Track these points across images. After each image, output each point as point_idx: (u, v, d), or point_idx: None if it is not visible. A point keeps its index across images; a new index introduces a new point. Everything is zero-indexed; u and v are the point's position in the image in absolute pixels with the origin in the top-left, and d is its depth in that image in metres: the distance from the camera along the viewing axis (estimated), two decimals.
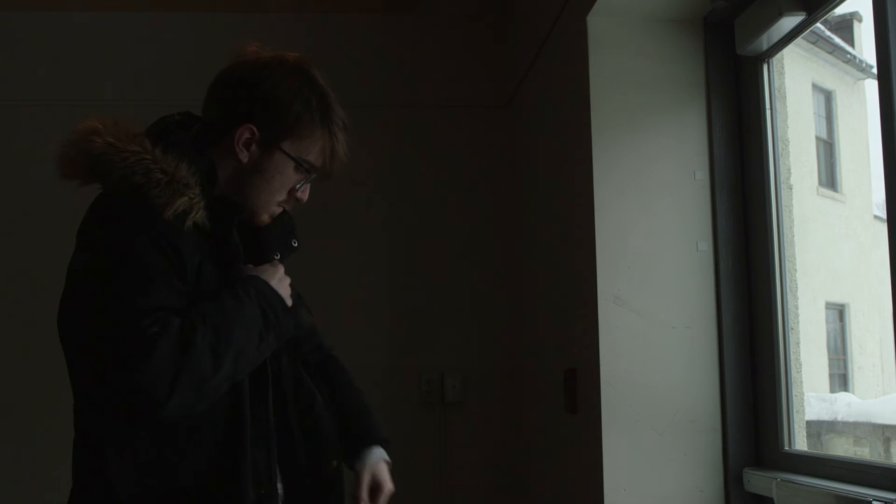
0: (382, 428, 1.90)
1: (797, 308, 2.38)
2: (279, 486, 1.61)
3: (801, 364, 2.36)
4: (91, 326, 1.45)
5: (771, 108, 2.39)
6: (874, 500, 1.80)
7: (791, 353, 2.34)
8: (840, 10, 2.15)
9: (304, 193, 1.67)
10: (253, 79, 1.61)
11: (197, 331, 1.44)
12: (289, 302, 1.60)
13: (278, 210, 1.68)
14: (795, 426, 2.32)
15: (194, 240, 1.52)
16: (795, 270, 2.39)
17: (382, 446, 1.87)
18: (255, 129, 1.59)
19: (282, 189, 1.64)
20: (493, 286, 3.76)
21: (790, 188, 2.41)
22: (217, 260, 1.56)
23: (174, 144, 1.55)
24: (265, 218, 1.66)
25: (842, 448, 4.12)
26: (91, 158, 1.52)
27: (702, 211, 2.47)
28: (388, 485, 1.84)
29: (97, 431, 1.52)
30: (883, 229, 1.83)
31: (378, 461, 1.84)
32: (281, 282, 1.60)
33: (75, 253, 1.55)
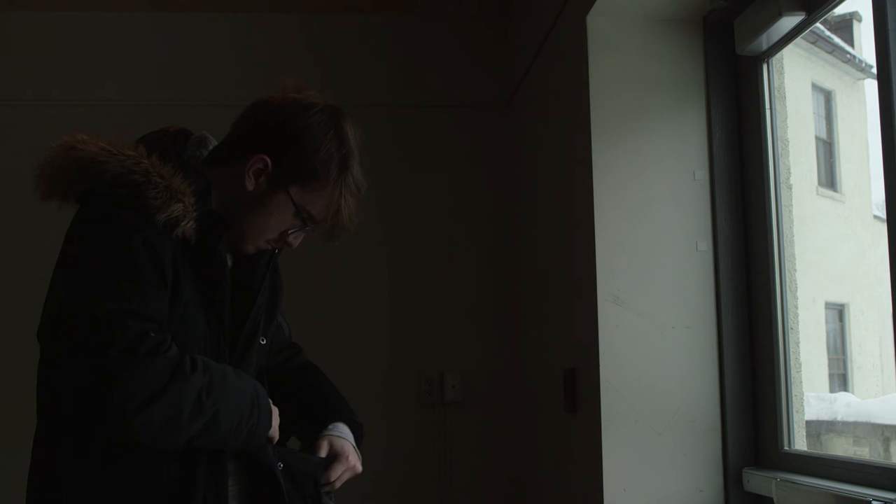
0: (357, 416, 1.84)
1: (797, 308, 2.38)
2: None
3: (800, 364, 2.36)
4: (79, 316, 1.37)
5: (770, 108, 2.40)
6: (874, 500, 1.80)
7: (791, 353, 2.34)
8: (840, 10, 2.15)
9: (295, 240, 1.66)
10: (288, 117, 1.61)
11: (197, 369, 1.41)
12: (275, 434, 1.57)
13: (266, 247, 1.66)
14: (795, 426, 2.32)
15: (175, 252, 1.49)
16: (795, 270, 2.39)
17: (352, 427, 1.80)
18: (268, 162, 1.58)
19: (276, 228, 1.63)
20: (493, 286, 3.76)
21: (790, 188, 2.41)
22: (198, 276, 1.52)
23: (169, 155, 1.54)
24: (250, 249, 1.64)
25: (841, 448, 4.12)
26: (82, 163, 1.49)
27: (702, 211, 2.47)
28: (351, 460, 1.73)
29: (51, 465, 1.48)
30: (882, 229, 1.83)
31: (340, 436, 1.77)
32: (274, 415, 1.57)
33: (62, 251, 1.51)
